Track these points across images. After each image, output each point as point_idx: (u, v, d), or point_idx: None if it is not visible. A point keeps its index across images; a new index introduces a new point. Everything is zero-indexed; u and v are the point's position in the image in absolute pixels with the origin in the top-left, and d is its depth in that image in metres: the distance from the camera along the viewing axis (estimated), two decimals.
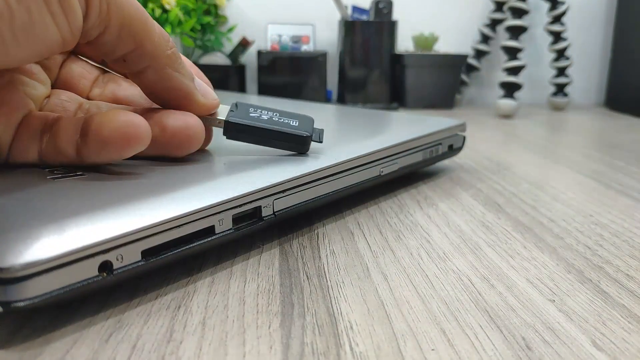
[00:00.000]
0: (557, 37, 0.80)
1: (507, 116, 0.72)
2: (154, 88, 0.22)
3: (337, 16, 0.83)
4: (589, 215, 0.29)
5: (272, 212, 0.23)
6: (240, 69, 0.80)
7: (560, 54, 0.80)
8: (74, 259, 0.16)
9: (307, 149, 0.25)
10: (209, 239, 0.20)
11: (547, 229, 0.27)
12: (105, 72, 0.25)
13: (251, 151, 0.25)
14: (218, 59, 0.79)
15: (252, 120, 0.24)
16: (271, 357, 0.16)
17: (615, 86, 0.85)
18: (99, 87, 0.25)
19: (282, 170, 0.23)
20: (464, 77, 0.86)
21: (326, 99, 0.81)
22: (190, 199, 0.20)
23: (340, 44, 0.80)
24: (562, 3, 0.78)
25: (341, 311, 0.18)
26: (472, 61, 0.86)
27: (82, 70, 0.25)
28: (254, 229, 0.22)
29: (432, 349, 0.16)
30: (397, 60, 0.79)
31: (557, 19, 0.79)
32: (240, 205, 0.21)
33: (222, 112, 0.24)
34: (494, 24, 0.84)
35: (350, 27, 0.78)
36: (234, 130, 0.24)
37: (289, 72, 0.78)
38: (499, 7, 0.82)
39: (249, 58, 0.84)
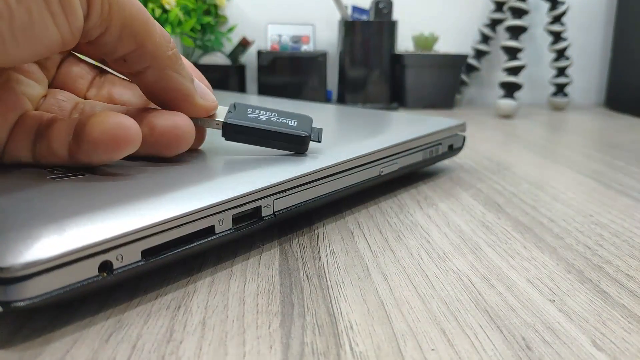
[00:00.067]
0: (557, 37, 0.80)
1: (507, 116, 0.72)
2: (153, 88, 0.22)
3: (337, 16, 0.84)
4: (589, 215, 0.29)
5: (272, 212, 0.23)
6: (240, 69, 0.80)
7: (560, 54, 0.80)
8: (74, 258, 0.16)
9: (306, 149, 0.25)
10: (209, 239, 0.20)
11: (547, 229, 0.27)
12: (102, 71, 0.25)
13: (251, 151, 0.25)
14: (218, 59, 0.79)
15: (250, 121, 0.24)
16: (271, 357, 0.16)
17: (615, 86, 0.85)
18: (96, 86, 0.25)
19: (282, 170, 0.23)
20: (464, 77, 0.86)
21: (326, 99, 0.81)
22: (190, 199, 0.20)
23: (340, 44, 0.80)
24: (562, 3, 0.78)
25: (341, 311, 0.18)
26: (472, 61, 0.86)
27: (80, 70, 0.25)
28: (254, 229, 0.22)
29: (432, 349, 0.16)
30: (397, 60, 0.79)
31: (557, 19, 0.79)
32: (240, 205, 0.21)
33: (221, 114, 0.24)
34: (494, 24, 0.84)
35: (350, 27, 0.78)
36: (232, 131, 0.24)
37: (289, 72, 0.78)
38: (499, 7, 0.82)
39: (249, 58, 0.85)
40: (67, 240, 0.16)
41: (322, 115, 0.39)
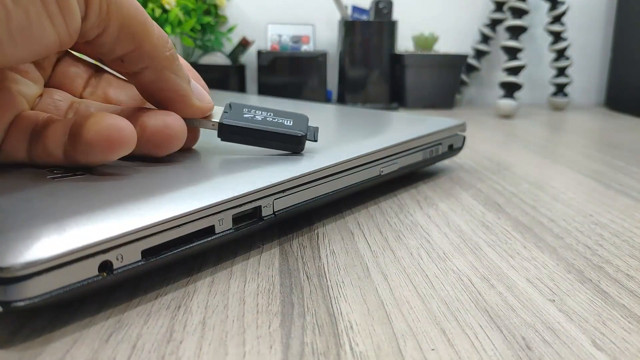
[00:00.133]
0: (557, 37, 0.80)
1: (507, 116, 0.72)
2: (150, 89, 0.22)
3: (337, 16, 0.83)
4: (589, 215, 0.29)
5: (272, 212, 0.23)
6: (240, 69, 0.80)
7: (560, 54, 0.80)
8: (74, 258, 0.16)
9: (302, 148, 0.25)
10: (209, 239, 0.20)
11: (547, 229, 0.27)
12: (99, 70, 0.25)
13: (250, 150, 0.25)
14: (218, 59, 0.79)
15: (246, 121, 0.24)
16: (271, 357, 0.16)
17: (615, 86, 0.85)
18: (92, 86, 0.25)
19: (282, 170, 0.23)
20: (464, 77, 0.86)
21: (326, 99, 0.81)
22: (190, 198, 0.20)
23: (340, 44, 0.80)
24: (562, 3, 0.78)
25: (341, 311, 0.18)
26: (472, 61, 0.86)
27: (77, 69, 0.24)
28: (254, 229, 0.22)
29: (432, 349, 0.16)
30: (397, 60, 0.79)
31: (557, 19, 0.79)
32: (240, 205, 0.21)
33: (216, 114, 0.24)
34: (494, 24, 0.84)
35: (350, 27, 0.78)
36: (228, 132, 0.24)
37: (289, 72, 0.78)
38: (499, 7, 0.82)
39: (249, 58, 0.84)
40: (67, 240, 0.16)
41: (322, 115, 0.39)
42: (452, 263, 0.22)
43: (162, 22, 0.72)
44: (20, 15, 0.16)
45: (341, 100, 0.81)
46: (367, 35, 0.77)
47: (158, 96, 0.22)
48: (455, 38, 0.89)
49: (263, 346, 0.16)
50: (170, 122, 0.22)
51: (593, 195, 0.33)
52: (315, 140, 0.26)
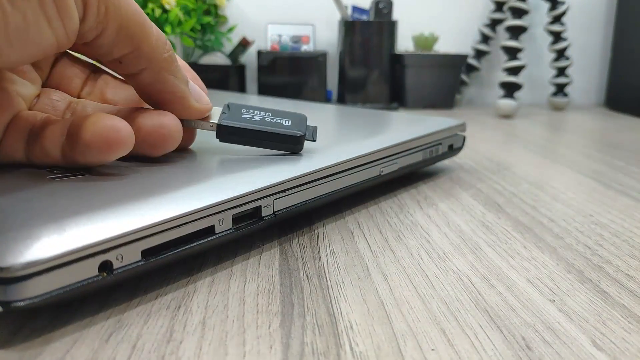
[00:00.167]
0: (557, 37, 0.80)
1: (507, 116, 0.72)
2: (148, 90, 0.22)
3: (337, 16, 0.83)
4: (589, 215, 0.29)
5: (272, 212, 0.23)
6: (240, 69, 0.80)
7: (560, 54, 0.80)
8: (74, 258, 0.16)
9: (301, 148, 0.25)
10: (209, 239, 0.20)
11: (547, 229, 0.27)
12: (97, 70, 0.25)
13: (250, 150, 0.25)
14: (218, 59, 0.79)
15: (244, 122, 0.24)
16: (271, 357, 0.16)
17: (615, 86, 0.85)
18: (90, 86, 0.25)
19: (282, 170, 0.23)
20: (464, 77, 0.86)
21: (326, 99, 0.81)
22: (190, 198, 0.20)
23: (340, 44, 0.80)
24: (562, 3, 0.78)
25: (341, 311, 0.18)
26: (472, 61, 0.86)
27: (74, 70, 0.24)
28: (254, 229, 0.22)
29: (432, 349, 0.16)
30: (397, 60, 0.79)
31: (557, 19, 0.79)
32: (240, 205, 0.21)
33: (215, 115, 0.24)
34: (494, 24, 0.84)
35: (350, 27, 0.78)
36: (226, 133, 0.24)
37: (289, 72, 0.78)
38: (499, 7, 0.82)
39: (249, 58, 0.84)
40: (67, 240, 0.16)
41: (322, 115, 0.39)
42: (452, 263, 0.22)
43: (162, 22, 0.72)
44: (18, 18, 0.16)
45: (341, 100, 0.81)
46: (367, 35, 0.77)
47: (156, 97, 0.22)
48: (455, 38, 0.89)
49: (263, 346, 0.16)
50: (166, 122, 0.22)
51: (593, 195, 0.33)
52: (314, 140, 0.26)
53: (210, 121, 0.24)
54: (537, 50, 0.90)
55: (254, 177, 0.22)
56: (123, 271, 0.17)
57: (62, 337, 0.16)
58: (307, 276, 0.21)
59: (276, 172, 0.23)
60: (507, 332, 0.17)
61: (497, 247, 0.24)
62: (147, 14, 0.70)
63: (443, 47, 0.87)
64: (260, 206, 0.22)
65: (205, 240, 0.20)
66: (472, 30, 0.89)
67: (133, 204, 0.18)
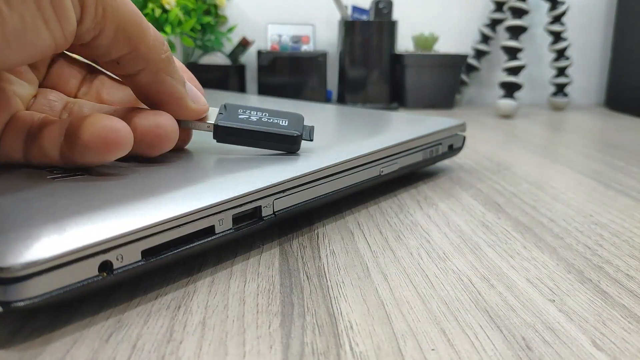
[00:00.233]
0: (557, 37, 0.80)
1: (507, 116, 0.72)
2: (145, 91, 0.22)
3: (337, 16, 0.83)
4: (589, 215, 0.29)
5: (272, 212, 0.23)
6: (240, 69, 0.80)
7: (560, 54, 0.80)
8: (74, 258, 0.16)
9: (298, 148, 0.25)
10: (209, 239, 0.20)
11: (547, 229, 0.27)
12: (93, 70, 0.25)
13: (249, 150, 0.25)
14: (218, 59, 0.79)
15: (241, 122, 0.24)
16: (271, 357, 0.16)
17: (615, 86, 0.85)
18: (86, 86, 0.25)
19: (282, 170, 0.23)
20: (464, 77, 0.86)
21: (326, 99, 0.81)
22: (190, 199, 0.20)
23: (340, 44, 0.80)
24: (562, 3, 0.78)
25: (341, 311, 0.18)
26: (472, 61, 0.86)
27: (71, 70, 0.24)
28: (254, 229, 0.22)
29: (432, 349, 0.16)
30: (397, 60, 0.79)
31: (557, 19, 0.79)
32: (240, 205, 0.21)
33: (211, 116, 0.24)
34: (494, 24, 0.84)
35: (350, 27, 0.78)
36: (223, 133, 0.24)
37: (289, 72, 0.78)
38: (499, 7, 0.82)
39: (249, 58, 0.85)
40: (67, 240, 0.16)
41: (322, 115, 0.39)
42: (452, 263, 0.22)
43: (162, 22, 0.72)
44: (16, 20, 0.16)
45: (341, 100, 0.81)
46: (367, 35, 0.77)
47: (153, 98, 0.22)
48: (455, 38, 0.89)
49: (263, 346, 0.16)
50: (162, 122, 0.22)
51: (593, 195, 0.33)
52: (311, 140, 0.26)
53: (207, 122, 0.24)
54: (537, 50, 0.90)
55: (254, 177, 0.22)
56: (123, 271, 0.17)
57: (62, 337, 0.16)
58: (307, 276, 0.21)
59: (276, 172, 0.23)
60: (507, 332, 0.17)
61: (497, 247, 0.24)
62: (147, 14, 0.70)
63: (443, 47, 0.87)
64: (260, 206, 0.22)
65: (205, 240, 0.20)
66: (472, 30, 0.89)
67: (133, 204, 0.18)
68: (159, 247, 0.18)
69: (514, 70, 0.73)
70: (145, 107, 0.23)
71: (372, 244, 0.24)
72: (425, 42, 0.82)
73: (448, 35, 0.88)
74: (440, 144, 0.35)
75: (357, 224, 0.27)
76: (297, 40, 0.82)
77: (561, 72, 0.80)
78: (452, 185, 0.35)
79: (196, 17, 0.75)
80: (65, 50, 0.24)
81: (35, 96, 0.23)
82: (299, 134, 0.25)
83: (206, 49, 0.81)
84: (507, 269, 0.22)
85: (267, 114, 0.25)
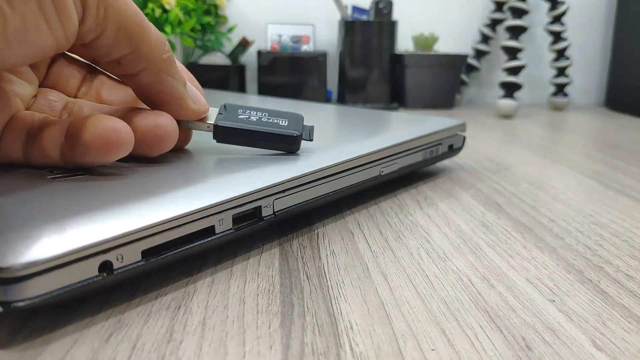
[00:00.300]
0: (557, 37, 0.80)
1: (507, 116, 0.72)
2: (146, 91, 0.22)
3: (337, 16, 0.83)
4: (589, 215, 0.29)
5: (272, 212, 0.23)
6: (240, 69, 0.80)
7: (560, 54, 0.80)
8: (74, 258, 0.16)
9: (298, 148, 0.25)
10: (209, 239, 0.20)
11: (547, 229, 0.27)
12: (93, 70, 0.25)
13: (249, 150, 0.25)
14: (218, 59, 0.79)
15: (240, 122, 0.24)
16: (271, 357, 0.16)
17: (615, 86, 0.85)
18: (86, 86, 0.25)
19: (282, 170, 0.23)
20: (464, 77, 0.86)
21: (326, 99, 0.81)
22: (190, 199, 0.20)
23: (340, 44, 0.80)
24: (562, 3, 0.78)
25: (341, 311, 0.18)
26: (472, 61, 0.86)
27: (71, 70, 0.24)
28: (254, 229, 0.22)
29: (432, 349, 0.16)
30: (397, 60, 0.79)
31: (557, 19, 0.79)
32: (240, 205, 0.21)
33: (211, 116, 0.24)
34: (494, 24, 0.84)
35: (350, 27, 0.78)
36: (223, 134, 0.24)
37: (289, 72, 0.78)
38: (499, 7, 0.82)
39: (249, 58, 0.85)
40: (67, 240, 0.16)
41: (322, 115, 0.39)
42: (452, 263, 0.22)
43: (162, 22, 0.72)
44: (17, 20, 0.16)
45: (341, 100, 0.81)
46: (367, 35, 0.77)
47: (154, 98, 0.22)
48: (455, 38, 0.89)
49: (263, 346, 0.16)
50: (162, 122, 0.22)
51: (593, 195, 0.33)
52: (311, 140, 0.26)
53: (207, 122, 0.24)
54: (537, 50, 0.90)
55: (254, 177, 0.22)
56: (123, 271, 0.17)
57: (62, 337, 0.16)
58: (307, 276, 0.21)
59: (276, 172, 0.23)
60: (507, 332, 0.17)
61: (497, 247, 0.24)
62: (147, 14, 0.70)
63: (443, 47, 0.87)
64: (260, 206, 0.22)
65: (205, 241, 0.20)
66: (472, 30, 0.89)
67: (133, 204, 0.18)
68: (159, 247, 0.18)
69: (514, 70, 0.73)
70: (145, 107, 0.23)
71: (372, 244, 0.24)
72: (425, 42, 0.82)
73: (448, 35, 0.88)
74: (440, 144, 0.35)
75: (357, 224, 0.27)
76: (297, 40, 0.82)
77: (561, 72, 0.80)
78: (452, 185, 0.35)
79: (196, 17, 0.75)
80: (67, 51, 0.24)
81: (35, 96, 0.23)
82: (299, 134, 0.25)
83: (206, 49, 0.81)
84: (507, 269, 0.22)
85: (266, 114, 0.25)
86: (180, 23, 0.73)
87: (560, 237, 0.26)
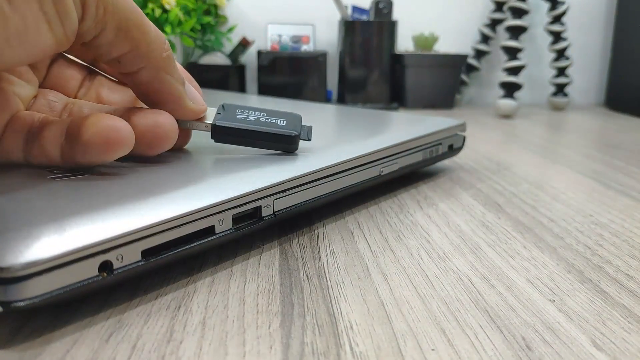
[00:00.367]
0: (557, 37, 0.80)
1: (507, 116, 0.72)
2: (145, 89, 0.22)
3: (337, 16, 0.83)
4: (589, 215, 0.29)
5: (272, 212, 0.23)
6: (240, 69, 0.80)
7: (560, 54, 0.80)
8: (74, 258, 0.16)
9: (296, 148, 0.25)
10: (209, 239, 0.20)
11: (547, 229, 0.27)
12: (92, 72, 0.25)
13: (249, 150, 0.25)
14: (218, 59, 0.79)
15: (239, 122, 0.24)
16: (271, 357, 0.16)
17: (615, 86, 0.85)
18: (86, 87, 0.25)
19: (282, 170, 0.23)
20: (464, 77, 0.86)
21: (326, 99, 0.81)
22: (191, 198, 0.20)
23: (340, 44, 0.80)
24: (562, 3, 0.78)
25: (341, 311, 0.18)
26: (472, 61, 0.86)
27: (71, 71, 0.24)
28: (254, 229, 0.22)
29: (432, 349, 0.16)
30: (397, 60, 0.79)
31: (557, 19, 0.79)
32: (240, 205, 0.21)
33: (210, 116, 0.24)
34: (494, 24, 0.84)
35: (350, 27, 0.78)
36: (221, 133, 0.24)
37: (289, 72, 0.78)
38: (499, 7, 0.82)
39: (249, 58, 0.85)
40: (67, 240, 0.16)
41: (322, 115, 0.39)
42: (452, 263, 0.22)
43: (162, 22, 0.72)
44: (17, 20, 0.16)
45: (341, 100, 0.81)
46: (367, 35, 0.77)
47: (152, 97, 0.22)
48: (455, 38, 0.89)
49: (263, 346, 0.16)
50: (161, 121, 0.22)
51: (593, 195, 0.33)
52: (309, 140, 0.26)
53: (205, 122, 0.24)
54: (537, 50, 0.90)
55: (254, 177, 0.22)
56: (123, 271, 0.17)
57: (62, 337, 0.16)
58: (307, 276, 0.21)
59: (276, 172, 0.23)
60: (507, 332, 0.17)
61: (497, 247, 0.24)
62: (147, 14, 0.70)
63: (443, 47, 0.87)
64: (260, 206, 0.22)
65: (205, 240, 0.20)
66: (472, 30, 0.89)
67: (133, 204, 0.18)
68: (159, 247, 0.18)
69: (514, 70, 0.73)
70: (145, 106, 0.23)
71: (372, 244, 0.24)
72: (425, 42, 0.82)
73: (448, 35, 0.88)
74: (440, 144, 0.35)
75: (357, 224, 0.27)
76: (297, 40, 0.82)
77: (561, 72, 0.80)
78: (452, 185, 0.35)
79: (196, 17, 0.75)
80: (66, 52, 0.24)
81: (35, 97, 0.23)
82: (297, 133, 0.25)
83: (206, 49, 0.81)
84: (507, 269, 0.22)
85: (265, 114, 0.25)
86: (180, 23, 0.73)
87: (560, 237, 0.26)
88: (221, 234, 0.21)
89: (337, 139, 0.31)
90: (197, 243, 0.20)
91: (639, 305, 0.19)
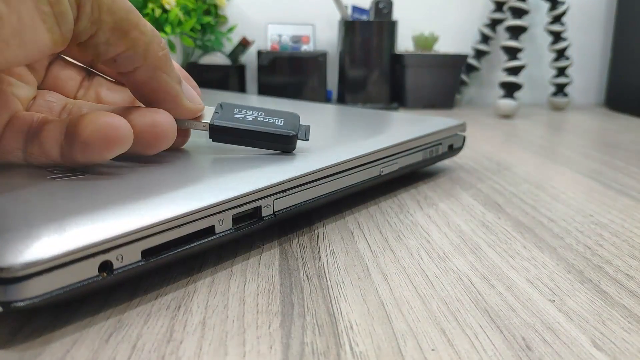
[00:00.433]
0: (557, 37, 0.80)
1: (507, 116, 0.72)
2: (142, 89, 0.22)
3: (337, 16, 0.84)
4: (589, 215, 0.29)
5: (272, 212, 0.23)
6: (240, 69, 0.80)
7: (560, 54, 0.80)
8: (74, 258, 0.16)
9: (294, 148, 0.25)
10: (209, 239, 0.20)
11: (547, 229, 0.27)
12: (90, 73, 0.25)
13: (248, 150, 0.25)
14: (218, 59, 0.79)
15: (236, 122, 0.24)
16: (271, 357, 0.16)
17: (615, 86, 0.85)
18: (84, 88, 0.25)
19: (282, 170, 0.23)
20: (464, 77, 0.86)
21: (326, 99, 0.81)
22: (190, 198, 0.20)
23: (340, 44, 0.80)
24: (562, 3, 0.78)
25: (341, 311, 0.18)
26: (472, 61, 0.86)
27: (69, 72, 0.24)
28: (254, 229, 0.22)
29: (432, 349, 0.16)
30: (397, 60, 0.79)
31: (557, 19, 0.79)
32: (240, 205, 0.21)
33: (207, 115, 0.24)
34: (494, 24, 0.84)
35: (350, 27, 0.78)
36: (218, 133, 0.24)
37: (289, 72, 0.78)
38: (499, 7, 0.82)
39: (249, 58, 0.85)
40: (67, 240, 0.16)
41: (322, 115, 0.39)
42: (452, 263, 0.22)
43: (162, 22, 0.72)
44: (14, 20, 0.16)
45: (341, 100, 0.81)
46: (367, 35, 0.77)
47: (150, 96, 0.22)
48: (455, 38, 0.89)
49: (263, 346, 0.16)
50: (160, 120, 0.22)
51: (593, 195, 0.33)
52: (307, 139, 0.26)
53: (203, 121, 0.24)
54: (537, 50, 0.90)
55: (254, 177, 0.22)
56: (123, 271, 0.17)
57: (62, 337, 0.16)
58: (307, 276, 0.21)
59: (276, 172, 0.23)
60: (507, 332, 0.17)
61: (497, 247, 0.24)
62: (147, 14, 0.70)
63: (443, 47, 0.87)
64: (260, 206, 0.22)
65: (205, 241, 0.20)
66: (472, 30, 0.89)
67: (133, 204, 0.18)
68: (159, 247, 0.18)
69: (514, 70, 0.73)
70: (143, 106, 0.23)
71: (372, 244, 0.24)
72: (425, 42, 0.82)
73: (448, 35, 0.88)
74: (440, 144, 0.35)
75: (357, 224, 0.27)
76: (297, 40, 0.82)
77: (561, 72, 0.80)
78: (452, 185, 0.35)
79: (196, 17, 0.75)
80: (63, 53, 0.24)
81: (34, 98, 0.23)
82: (295, 133, 0.25)
83: (206, 49, 0.81)
84: (507, 269, 0.22)
85: (263, 114, 0.25)
86: (180, 23, 0.73)
87: (560, 237, 0.26)
88: (221, 234, 0.21)
89: (337, 139, 0.31)
90: (197, 243, 0.20)
91: (639, 305, 0.19)
